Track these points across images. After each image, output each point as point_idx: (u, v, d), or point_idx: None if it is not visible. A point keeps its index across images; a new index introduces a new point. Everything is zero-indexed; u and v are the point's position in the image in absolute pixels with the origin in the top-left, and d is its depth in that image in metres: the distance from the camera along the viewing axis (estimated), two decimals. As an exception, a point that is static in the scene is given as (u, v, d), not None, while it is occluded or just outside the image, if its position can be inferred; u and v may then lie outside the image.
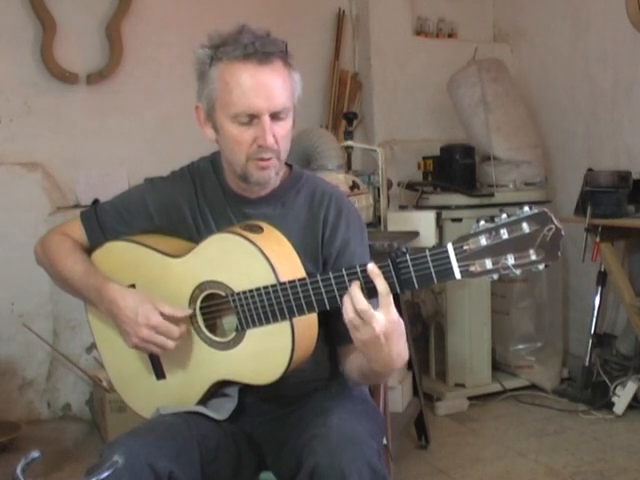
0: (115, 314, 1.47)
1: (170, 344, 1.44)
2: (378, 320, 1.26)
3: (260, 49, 1.40)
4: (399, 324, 1.30)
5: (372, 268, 1.27)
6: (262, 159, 1.44)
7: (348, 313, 1.28)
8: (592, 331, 3.41)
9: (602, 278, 3.40)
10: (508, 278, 3.89)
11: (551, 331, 3.69)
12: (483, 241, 1.21)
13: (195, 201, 1.57)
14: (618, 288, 3.31)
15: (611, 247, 3.29)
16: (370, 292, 1.28)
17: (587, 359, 3.40)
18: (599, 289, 3.41)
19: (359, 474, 1.27)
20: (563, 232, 1.19)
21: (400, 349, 1.33)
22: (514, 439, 3.04)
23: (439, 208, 3.27)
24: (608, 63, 3.56)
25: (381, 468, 1.33)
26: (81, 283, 1.53)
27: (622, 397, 3.18)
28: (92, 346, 3.12)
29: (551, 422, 3.21)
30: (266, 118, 1.41)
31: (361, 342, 1.30)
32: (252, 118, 1.42)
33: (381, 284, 1.27)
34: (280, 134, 1.44)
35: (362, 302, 1.27)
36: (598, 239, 3.22)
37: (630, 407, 3.19)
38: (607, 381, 3.30)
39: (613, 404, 3.21)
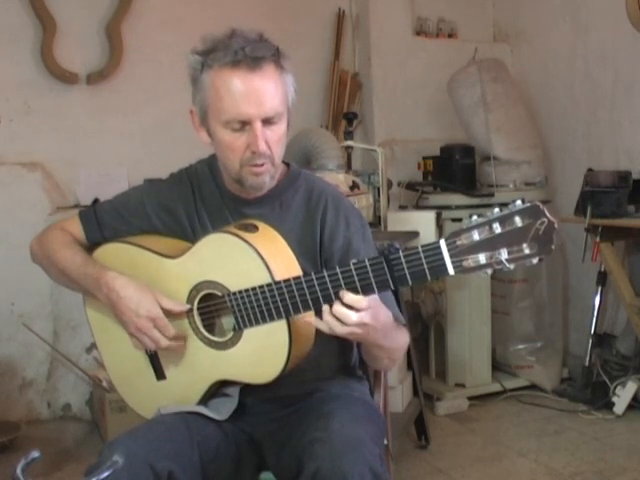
0: (114, 303, 1.46)
1: (163, 342, 1.45)
2: (350, 316, 1.27)
3: (250, 54, 1.38)
4: (373, 307, 1.29)
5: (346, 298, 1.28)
6: (255, 165, 1.44)
7: (325, 315, 1.29)
8: (592, 331, 3.41)
9: (602, 278, 3.39)
10: (508, 278, 3.85)
11: (551, 331, 3.69)
12: (476, 236, 1.20)
13: (192, 203, 1.57)
14: (618, 288, 3.30)
15: (611, 247, 3.28)
16: (365, 289, 1.28)
17: (587, 359, 3.40)
18: (599, 289, 3.41)
19: (361, 479, 1.27)
20: (556, 225, 1.17)
21: (383, 321, 1.34)
22: (514, 439, 3.04)
23: (439, 208, 3.28)
24: (608, 63, 3.56)
25: (383, 472, 1.33)
26: (79, 272, 1.53)
27: (622, 397, 3.18)
28: (92, 346, 3.12)
29: (551, 422, 3.20)
30: (258, 124, 1.41)
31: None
32: (244, 124, 1.41)
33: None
34: (273, 139, 1.43)
35: (350, 297, 1.27)
36: (598, 239, 3.21)
37: (630, 407, 3.18)
38: (607, 381, 3.29)
39: (613, 404, 3.20)
